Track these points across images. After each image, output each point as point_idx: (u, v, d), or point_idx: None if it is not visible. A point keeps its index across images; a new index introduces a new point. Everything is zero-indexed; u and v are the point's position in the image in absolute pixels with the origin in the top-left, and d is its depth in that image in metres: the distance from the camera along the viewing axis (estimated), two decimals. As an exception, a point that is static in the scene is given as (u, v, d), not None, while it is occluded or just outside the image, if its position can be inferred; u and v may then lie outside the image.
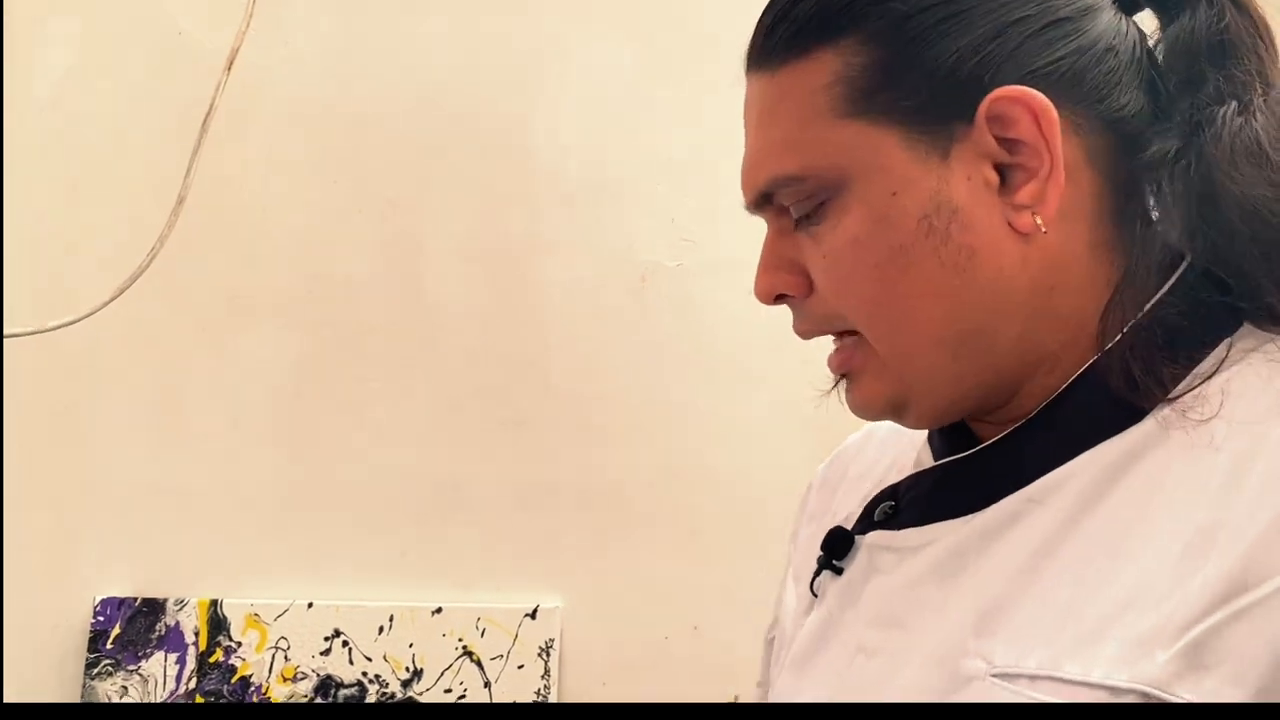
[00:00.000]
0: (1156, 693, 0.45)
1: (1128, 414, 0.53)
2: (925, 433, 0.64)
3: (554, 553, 1.25)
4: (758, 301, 0.60)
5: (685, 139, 1.31)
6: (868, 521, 0.62)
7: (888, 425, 0.70)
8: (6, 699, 1.28)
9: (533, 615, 1.22)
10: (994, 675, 0.50)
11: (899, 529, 0.59)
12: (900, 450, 0.67)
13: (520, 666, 1.21)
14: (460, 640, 1.22)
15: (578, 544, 1.25)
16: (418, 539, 1.26)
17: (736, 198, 1.29)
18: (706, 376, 1.26)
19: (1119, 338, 0.53)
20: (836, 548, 0.62)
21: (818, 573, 0.63)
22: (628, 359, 1.27)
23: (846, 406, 0.60)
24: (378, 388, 1.30)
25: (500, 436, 1.27)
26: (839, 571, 0.62)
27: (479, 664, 1.22)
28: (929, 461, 0.61)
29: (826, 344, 1.26)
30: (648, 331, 1.28)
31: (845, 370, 0.59)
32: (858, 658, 0.58)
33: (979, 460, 0.57)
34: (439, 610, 1.23)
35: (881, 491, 0.62)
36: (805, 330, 0.59)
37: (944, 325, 0.55)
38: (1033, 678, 0.49)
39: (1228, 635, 0.45)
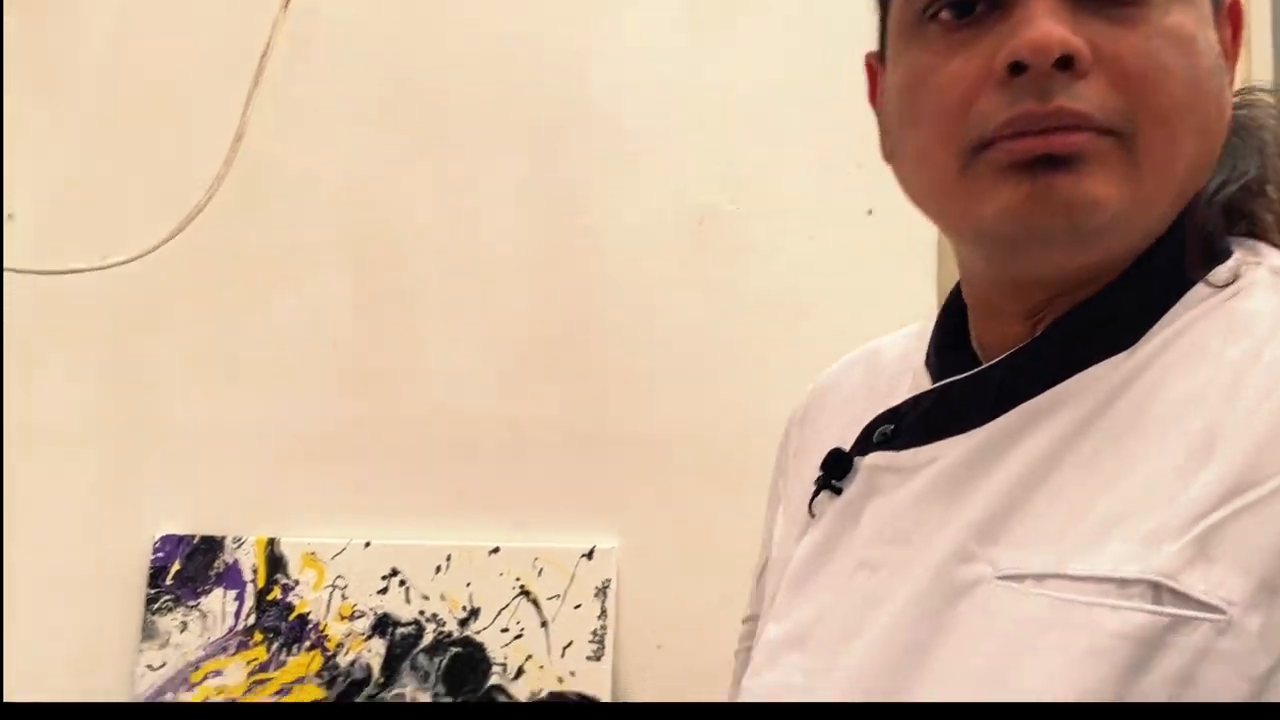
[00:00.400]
0: (1166, 581, 0.46)
1: (1140, 327, 0.54)
2: (918, 359, 0.65)
3: (610, 494, 1.25)
4: (1027, 56, 0.51)
5: (744, 80, 1.29)
6: (866, 443, 0.62)
7: (868, 357, 0.72)
8: (70, 634, 1.30)
9: (589, 556, 1.23)
10: (999, 578, 0.51)
11: (899, 450, 0.59)
12: (891, 378, 0.67)
13: (577, 606, 1.21)
14: (518, 580, 1.23)
15: (633, 486, 1.25)
16: (474, 480, 1.27)
17: (796, 138, 1.29)
18: (764, 320, 1.25)
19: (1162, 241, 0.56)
20: (835, 468, 0.62)
21: (816, 493, 0.63)
22: (684, 302, 1.26)
23: (1017, 200, 0.53)
24: (434, 329, 1.30)
25: (556, 379, 1.27)
26: (838, 492, 0.62)
27: (536, 604, 1.22)
28: (928, 384, 0.62)
29: (883, 292, 1.22)
30: (705, 275, 1.27)
31: (1076, 153, 0.52)
32: (858, 574, 0.58)
33: (983, 378, 0.57)
34: (496, 550, 1.24)
35: (880, 415, 0.62)
36: (1058, 109, 0.52)
37: (1197, 168, 0.56)
38: (1039, 577, 0.49)
39: (1233, 528, 0.46)
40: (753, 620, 0.77)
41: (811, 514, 0.63)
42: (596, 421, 1.26)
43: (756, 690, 0.62)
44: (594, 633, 1.21)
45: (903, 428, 0.61)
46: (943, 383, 0.59)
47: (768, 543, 0.75)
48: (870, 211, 1.22)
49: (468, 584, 1.24)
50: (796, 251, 1.25)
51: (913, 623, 0.53)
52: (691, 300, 1.26)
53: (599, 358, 1.27)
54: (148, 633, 1.28)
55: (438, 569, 1.24)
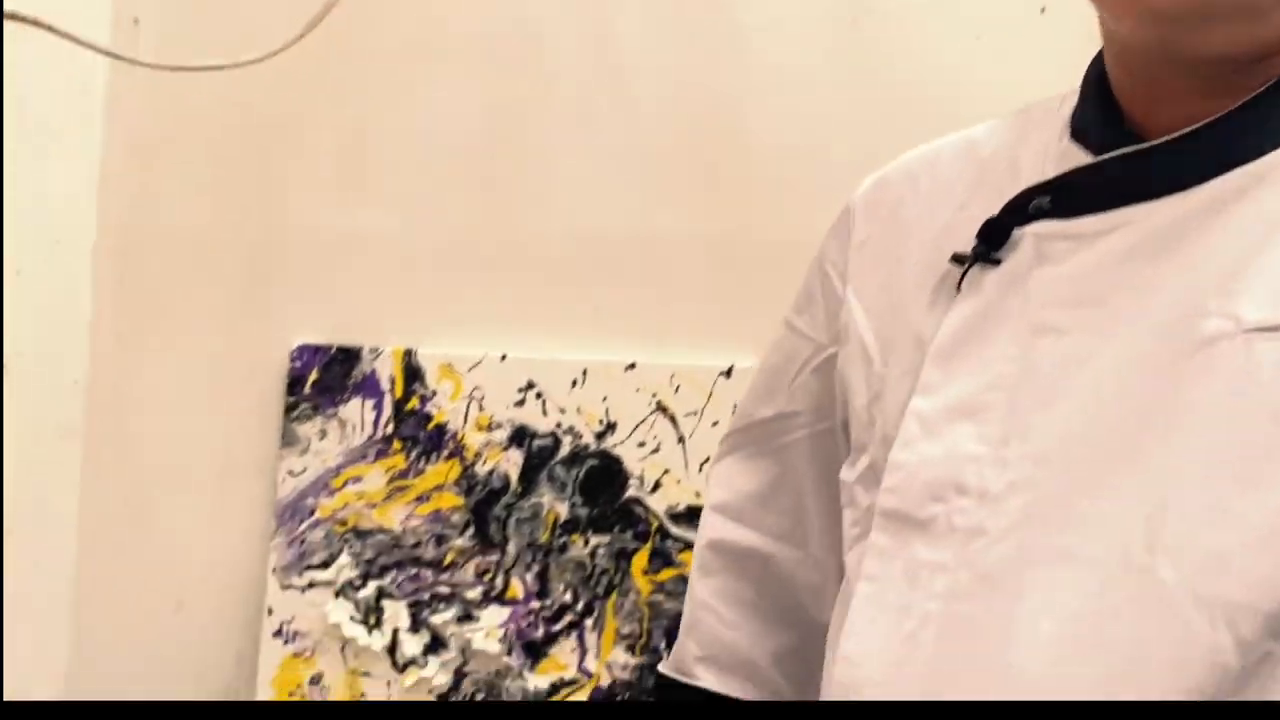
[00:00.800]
0: None
1: None
2: (1046, 143, 0.64)
3: (750, 312, 1.21)
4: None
5: None
6: (1020, 215, 0.61)
7: (962, 147, 0.71)
8: (212, 442, 1.33)
9: (727, 374, 1.20)
10: (1248, 331, 0.51)
11: (1069, 218, 0.59)
12: (1009, 161, 0.66)
13: (714, 424, 1.19)
14: (654, 396, 1.21)
15: (775, 304, 1.21)
16: (610, 294, 1.24)
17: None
18: (922, 126, 1.17)
19: None
20: (992, 240, 0.62)
21: (969, 267, 0.62)
22: (835, 107, 1.19)
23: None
24: (570, 137, 1.25)
25: (696, 189, 1.23)
26: (994, 263, 0.61)
27: (673, 420, 1.21)
28: (1081, 159, 0.61)
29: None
30: (858, 77, 1.19)
31: None
32: (1040, 339, 0.58)
33: (1175, 146, 0.57)
34: (632, 366, 1.22)
35: (1031, 188, 0.61)
36: None
37: None
38: None
39: None
40: (778, 419, 0.78)
41: (959, 288, 0.62)
42: (737, 235, 1.22)
43: (914, 464, 0.61)
44: (732, 449, 1.19)
45: (1062, 199, 0.60)
46: (1117, 153, 0.59)
47: (811, 337, 0.76)
48: (1043, 10, 1.13)
49: (604, 399, 1.22)
50: (960, 52, 1.16)
51: (1141, 379, 0.53)
52: (842, 105, 1.19)
53: (741, 167, 1.22)
54: (287, 440, 1.30)
55: (574, 383, 1.23)
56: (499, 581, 1.22)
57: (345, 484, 1.28)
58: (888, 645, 0.59)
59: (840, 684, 0.62)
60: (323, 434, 1.29)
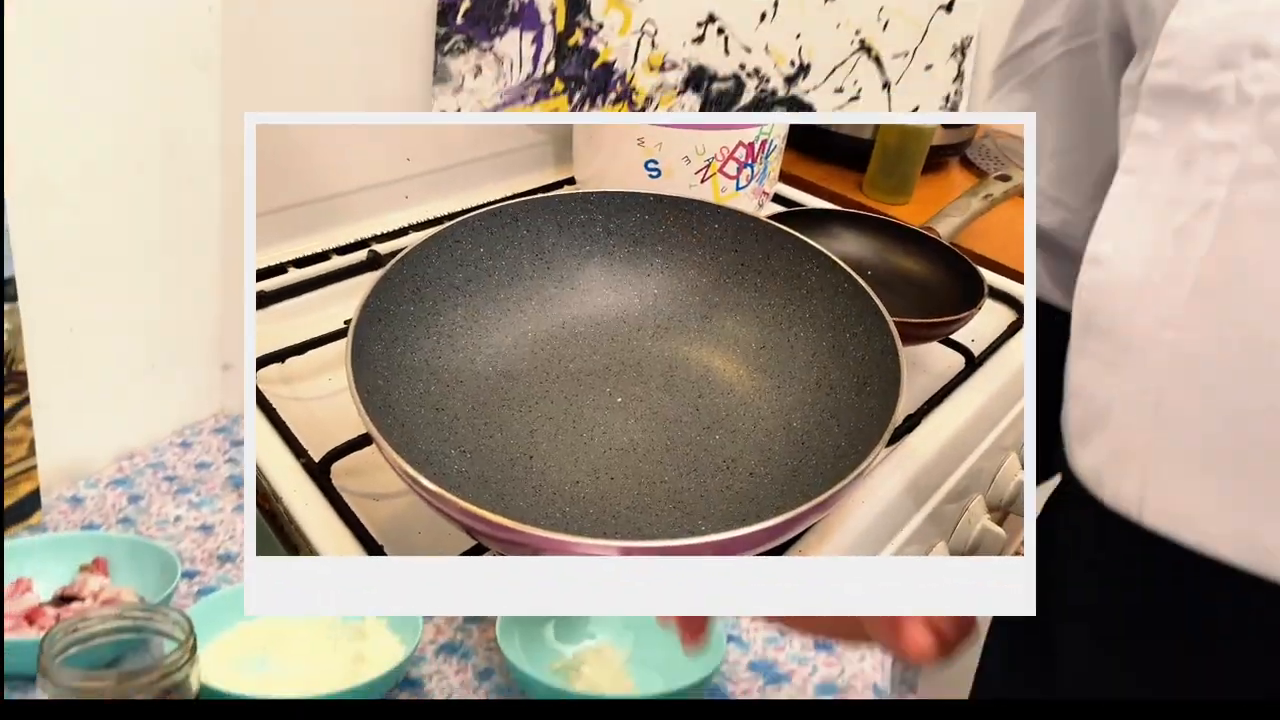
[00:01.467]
0: None
1: None
2: None
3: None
4: None
5: None
6: None
7: None
8: (359, 74, 1.22)
9: (948, 9, 1.02)
10: None
11: None
12: None
13: (928, 67, 1.03)
14: (858, 33, 1.05)
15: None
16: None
17: None
18: None
19: None
20: None
21: None
22: None
23: None
24: None
25: None
26: None
27: (878, 61, 1.05)
28: None
29: None
30: None
31: None
32: None
33: None
34: (834, -6, 1.05)
35: None
36: None
37: None
38: None
39: None
40: (1038, 41, 0.66)
41: None
42: None
43: (1197, 28, 0.50)
44: (946, 98, 1.03)
45: None
46: None
47: None
48: None
49: (797, 36, 1.06)
50: None
51: None
52: None
53: None
54: (440, 76, 1.18)
55: (763, 17, 1.07)
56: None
57: (503, 128, 1.17)
58: (1148, 240, 0.50)
59: (1087, 288, 0.53)
60: (478, 71, 1.17)
